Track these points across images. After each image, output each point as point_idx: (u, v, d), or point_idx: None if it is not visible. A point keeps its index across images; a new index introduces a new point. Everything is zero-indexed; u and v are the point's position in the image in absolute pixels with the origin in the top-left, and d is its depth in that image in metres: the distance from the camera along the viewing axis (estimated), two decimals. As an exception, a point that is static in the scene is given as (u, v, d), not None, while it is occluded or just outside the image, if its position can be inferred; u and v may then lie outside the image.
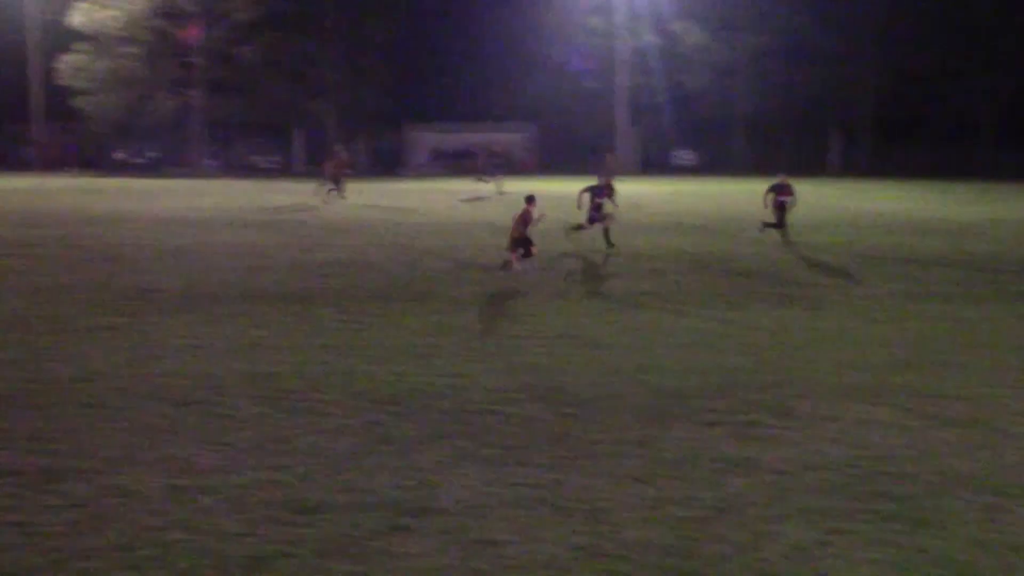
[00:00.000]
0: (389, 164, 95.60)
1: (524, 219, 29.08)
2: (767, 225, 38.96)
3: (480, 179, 64.11)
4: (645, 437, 14.82)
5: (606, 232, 35.82)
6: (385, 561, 10.81)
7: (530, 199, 29.54)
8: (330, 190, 54.83)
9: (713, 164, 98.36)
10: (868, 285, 28.57)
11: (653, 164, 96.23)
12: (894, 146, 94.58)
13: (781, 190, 38.60)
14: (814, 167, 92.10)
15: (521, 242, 29.01)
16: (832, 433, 15.08)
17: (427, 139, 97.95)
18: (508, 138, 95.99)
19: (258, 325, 22.31)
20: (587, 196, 35.59)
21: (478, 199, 59.01)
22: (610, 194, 36.18)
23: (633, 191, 67.17)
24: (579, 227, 36.45)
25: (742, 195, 53.10)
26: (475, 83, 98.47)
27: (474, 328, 22.34)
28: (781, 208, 38.52)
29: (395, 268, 31.29)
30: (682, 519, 11.91)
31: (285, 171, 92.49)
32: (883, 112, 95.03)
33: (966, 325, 23.03)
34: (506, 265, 29.13)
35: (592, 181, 37.45)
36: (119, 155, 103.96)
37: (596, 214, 35.72)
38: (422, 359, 19.30)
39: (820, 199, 57.51)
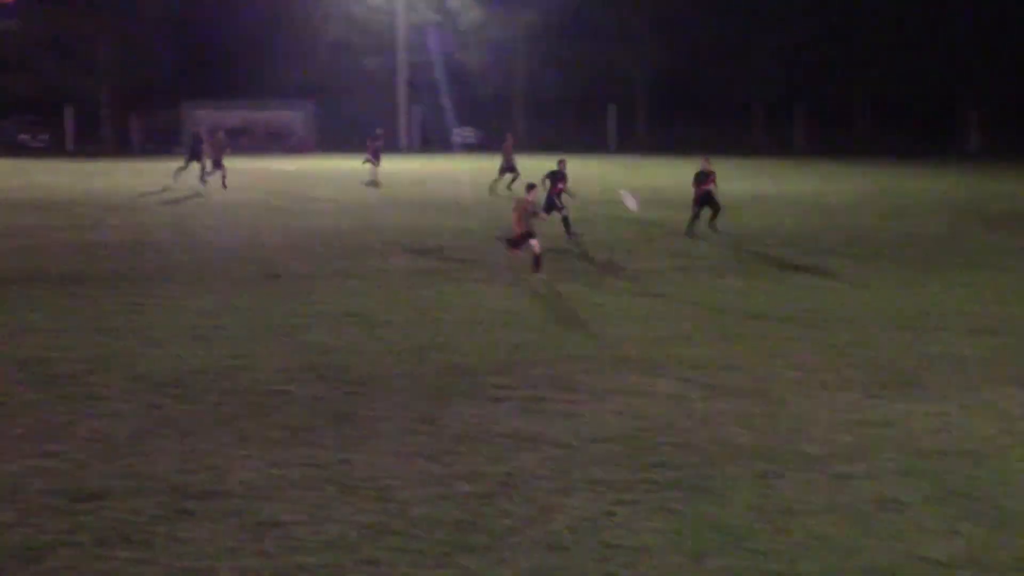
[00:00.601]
0: (164, 143, 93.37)
1: (525, 211, 25.86)
2: (706, 224, 34.10)
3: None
4: (431, 414, 14.85)
5: (566, 221, 33.06)
6: (169, 546, 10.59)
7: (531, 187, 26.85)
8: (208, 174, 51.15)
9: (494, 142, 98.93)
10: (645, 260, 29.17)
11: (434, 142, 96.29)
12: (671, 123, 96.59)
13: (706, 179, 33.74)
14: (595, 144, 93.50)
15: (524, 237, 25.73)
16: (615, 406, 15.37)
17: (204, 117, 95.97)
18: (287, 116, 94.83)
19: (31, 308, 21.58)
20: (547, 183, 32.52)
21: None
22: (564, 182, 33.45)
23: (415, 169, 67.18)
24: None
25: (523, 172, 53.56)
26: (254, 60, 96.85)
27: (256, 309, 22.04)
28: (709, 199, 33.83)
29: (175, 249, 30.63)
30: (469, 495, 11.98)
31: (56, 150, 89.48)
32: (659, 89, 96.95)
33: (740, 297, 23.72)
34: (517, 255, 26.08)
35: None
36: None
37: (556, 201, 32.84)
38: (203, 341, 18.95)
39: (598, 175, 58.42)
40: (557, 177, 32.88)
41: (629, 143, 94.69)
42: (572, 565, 10.36)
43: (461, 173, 62.90)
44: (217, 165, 50.35)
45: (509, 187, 46.21)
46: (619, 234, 34.41)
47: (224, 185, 49.23)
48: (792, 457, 13.35)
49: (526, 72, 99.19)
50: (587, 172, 56.85)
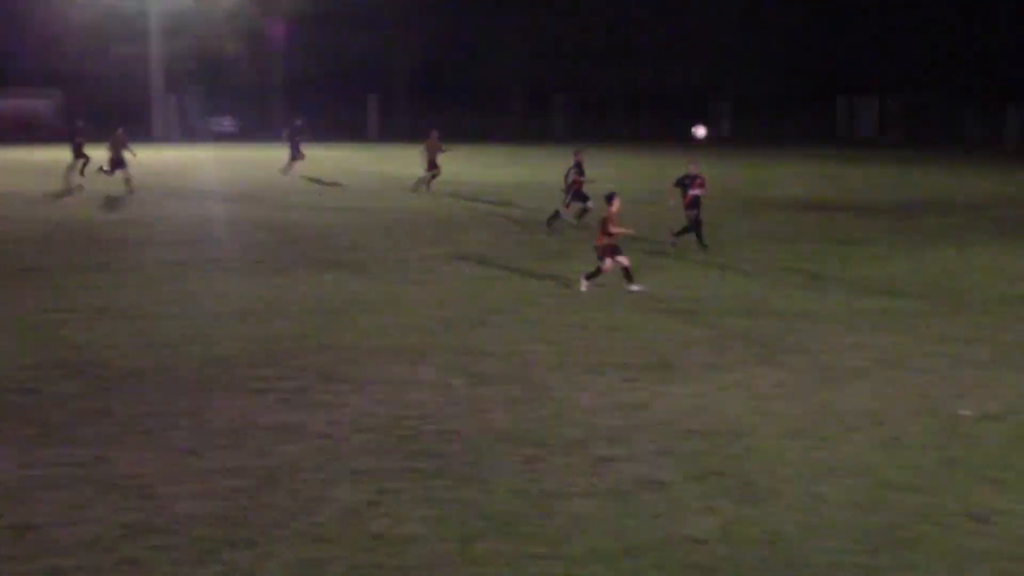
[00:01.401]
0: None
1: (609, 221, 22.90)
2: (678, 234, 29.44)
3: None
4: (192, 408, 14.56)
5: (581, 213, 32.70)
6: (-86, 555, 10.11)
7: (610, 197, 23.06)
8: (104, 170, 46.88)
9: (253, 130, 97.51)
10: (407, 248, 29.19)
11: (191, 131, 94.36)
12: (433, 110, 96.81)
13: (692, 181, 29.23)
14: (356, 132, 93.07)
15: (610, 250, 22.99)
16: (378, 395, 15.34)
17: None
18: (35, 104, 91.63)
19: None
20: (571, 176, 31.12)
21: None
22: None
23: (172, 158, 65.70)
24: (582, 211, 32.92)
25: (280, 162, 53.00)
26: (2, 46, 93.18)
27: (5, 304, 21.23)
28: (695, 205, 29.04)
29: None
30: (233, 489, 11.79)
31: None
32: (420, 77, 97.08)
33: (501, 283, 23.95)
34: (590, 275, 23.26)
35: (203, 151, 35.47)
36: None
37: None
38: (-51, 338, 18.17)
39: (357, 164, 58.21)
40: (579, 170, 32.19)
41: (390, 131, 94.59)
42: (338, 556, 10.30)
43: (219, 162, 61.78)
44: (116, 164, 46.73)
45: (428, 185, 44.37)
46: (385, 222, 34.33)
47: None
48: (555, 441, 13.55)
49: (286, 59, 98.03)
50: (347, 160, 56.57)
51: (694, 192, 28.51)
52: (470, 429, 13.96)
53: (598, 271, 22.91)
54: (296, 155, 50.36)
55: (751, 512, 11.48)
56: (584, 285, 22.96)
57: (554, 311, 21.07)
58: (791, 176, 44.48)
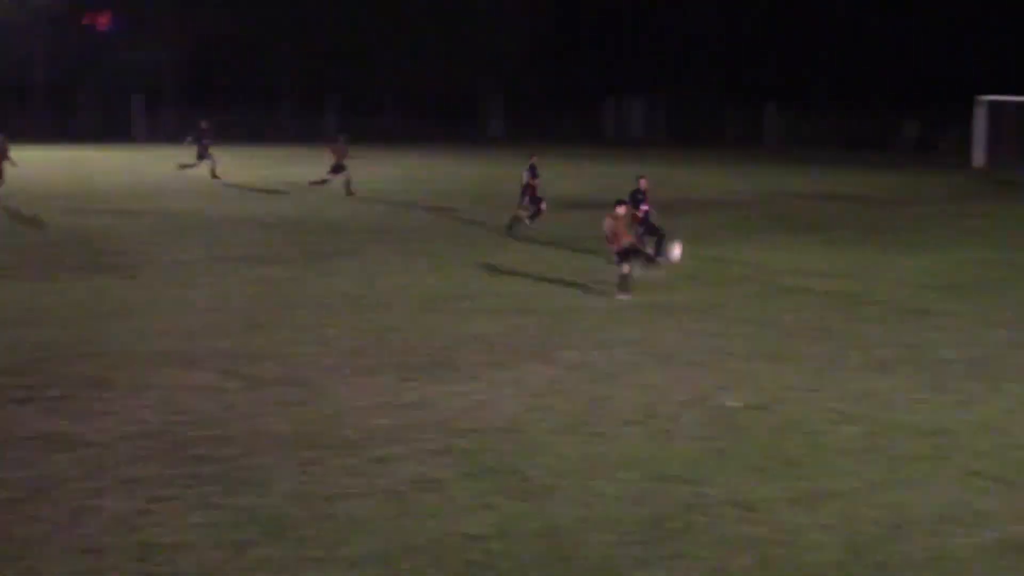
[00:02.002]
0: None
1: (625, 221, 22.82)
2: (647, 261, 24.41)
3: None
4: (-49, 420, 13.98)
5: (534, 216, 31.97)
6: None
7: (619, 203, 22.96)
8: None
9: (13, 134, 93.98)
10: (177, 251, 28.57)
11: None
12: (202, 111, 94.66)
13: (644, 197, 26.37)
14: (121, 135, 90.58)
15: (631, 251, 22.71)
16: (149, 401, 14.99)
17: None
18: None
19: None
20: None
21: None
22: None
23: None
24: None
25: (44, 163, 51.36)
26: None
27: None
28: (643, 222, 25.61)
29: None
30: (-5, 502, 11.37)
31: None
32: (186, 79, 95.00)
33: (273, 286, 23.65)
34: (623, 283, 22.52)
35: None
36: None
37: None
38: None
39: (125, 165, 56.74)
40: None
41: (159, 132, 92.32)
42: (108, 567, 10.02)
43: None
44: None
45: (348, 187, 42.16)
46: (154, 226, 33.53)
47: None
48: (331, 443, 13.46)
49: (44, 59, 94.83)
50: (111, 164, 55.22)
51: (645, 209, 26.04)
52: (245, 433, 13.76)
53: (624, 278, 22.39)
54: (204, 155, 48.04)
55: (527, 508, 11.61)
56: (620, 296, 22.29)
57: (330, 313, 20.92)
58: (561, 175, 45.13)
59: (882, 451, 13.42)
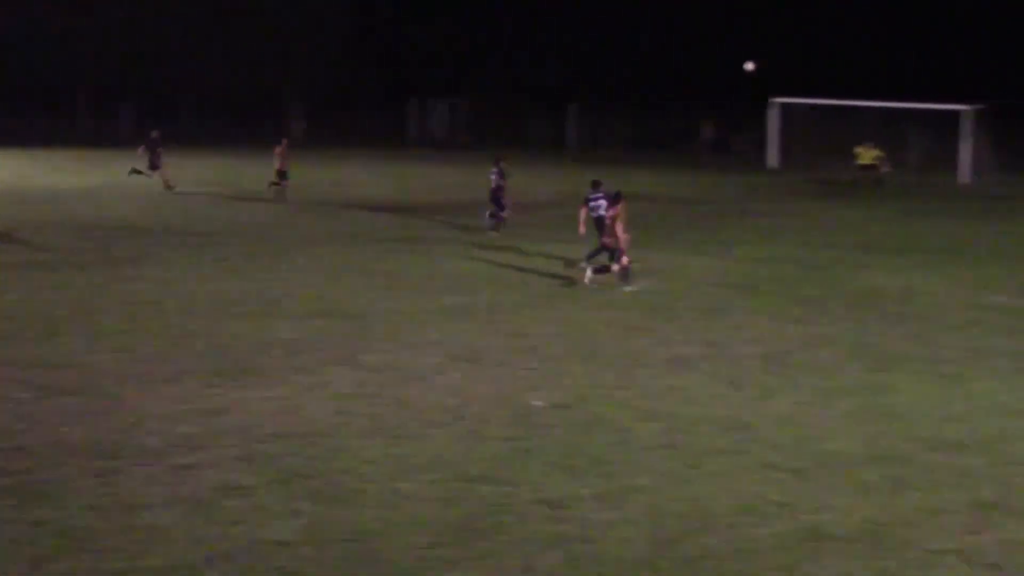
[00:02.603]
0: None
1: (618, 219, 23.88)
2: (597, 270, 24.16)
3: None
4: None
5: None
6: None
7: (617, 196, 24.26)
8: None
9: None
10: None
11: None
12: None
13: (605, 201, 24.96)
14: None
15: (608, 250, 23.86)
16: (-62, 413, 14.43)
17: None
18: None
19: None
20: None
21: None
22: None
23: None
24: None
25: None
26: None
27: None
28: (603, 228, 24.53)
29: None
30: None
31: None
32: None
33: (72, 291, 22.93)
34: (622, 274, 23.70)
35: None
36: None
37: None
38: None
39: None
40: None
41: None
42: None
43: None
44: None
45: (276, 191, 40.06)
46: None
47: None
48: (131, 452, 13.17)
49: None
50: None
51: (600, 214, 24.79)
52: (41, 444, 13.37)
53: (623, 269, 23.53)
54: (157, 165, 45.52)
55: (335, 512, 11.54)
56: (626, 288, 23.37)
57: (130, 319, 20.41)
58: (364, 176, 45.03)
59: (684, 446, 13.72)
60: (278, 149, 41.57)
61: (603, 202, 24.83)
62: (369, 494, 12.04)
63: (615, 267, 23.70)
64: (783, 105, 52.14)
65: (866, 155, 45.37)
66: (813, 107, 51.41)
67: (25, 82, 73.20)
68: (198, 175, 46.90)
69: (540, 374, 16.95)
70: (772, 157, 52.84)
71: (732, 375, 17.06)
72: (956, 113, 47.24)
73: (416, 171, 48.98)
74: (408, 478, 12.51)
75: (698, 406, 15.42)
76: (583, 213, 25.17)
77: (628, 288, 23.40)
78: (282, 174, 40.74)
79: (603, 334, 19.73)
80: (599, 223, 24.71)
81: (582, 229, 25.20)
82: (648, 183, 45.36)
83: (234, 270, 25.93)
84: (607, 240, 23.96)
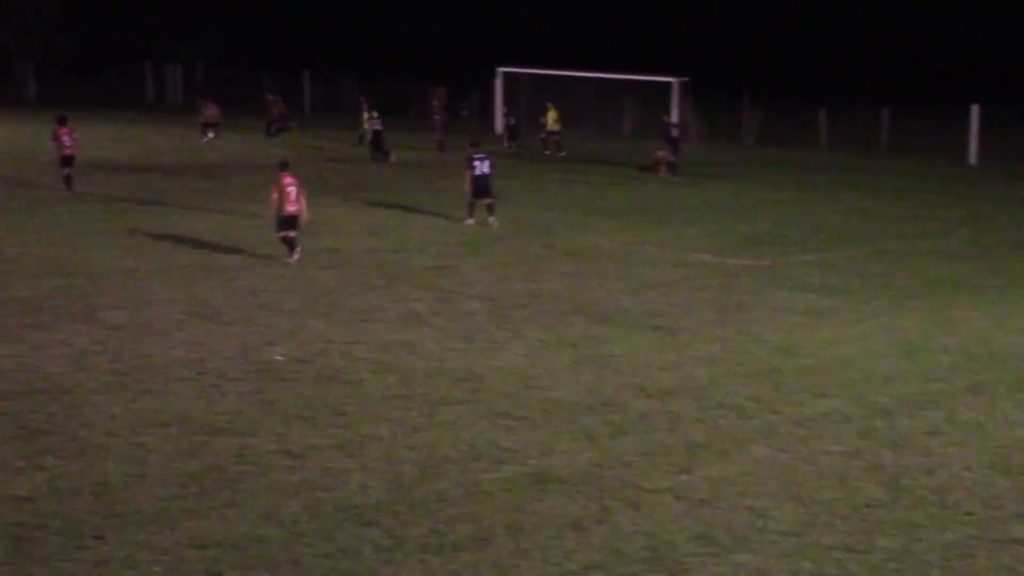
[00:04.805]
0: None
1: None
2: None
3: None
4: None
5: None
6: None
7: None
8: None
9: None
10: None
11: None
12: None
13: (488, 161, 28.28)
14: None
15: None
16: None
17: None
18: None
19: None
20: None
21: None
22: None
23: None
24: None
25: None
26: None
27: None
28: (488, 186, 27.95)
29: None
30: None
31: None
32: None
33: None
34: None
35: None
36: None
37: None
38: None
39: None
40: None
41: None
42: None
43: None
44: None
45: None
46: None
47: None
48: None
49: None
50: None
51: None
52: None
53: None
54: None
55: (78, 466, 11.76)
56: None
57: None
58: (101, 139, 44.02)
59: (418, 397, 14.37)
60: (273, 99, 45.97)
61: (488, 162, 27.86)
62: (112, 448, 12.29)
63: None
64: (506, 74, 53.24)
65: (552, 119, 46.46)
66: (532, 77, 52.68)
67: None
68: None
69: (278, 330, 17.32)
70: (498, 124, 53.62)
71: (463, 329, 17.78)
72: (667, 84, 49.25)
73: (154, 133, 48.04)
74: (151, 432, 12.79)
75: (431, 359, 16.07)
76: (468, 174, 27.78)
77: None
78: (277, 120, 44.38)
79: (337, 291, 20.17)
80: (483, 180, 27.68)
81: (468, 187, 27.80)
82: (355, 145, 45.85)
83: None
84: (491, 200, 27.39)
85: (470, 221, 27.63)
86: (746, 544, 10.57)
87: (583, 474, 12.08)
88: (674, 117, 46.49)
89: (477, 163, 27.86)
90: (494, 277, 21.90)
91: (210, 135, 45.43)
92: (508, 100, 51.78)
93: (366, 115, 41.79)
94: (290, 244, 22.37)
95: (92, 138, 44.23)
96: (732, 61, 65.25)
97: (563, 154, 44.60)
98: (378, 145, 40.44)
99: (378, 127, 40.73)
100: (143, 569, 9.72)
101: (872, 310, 19.98)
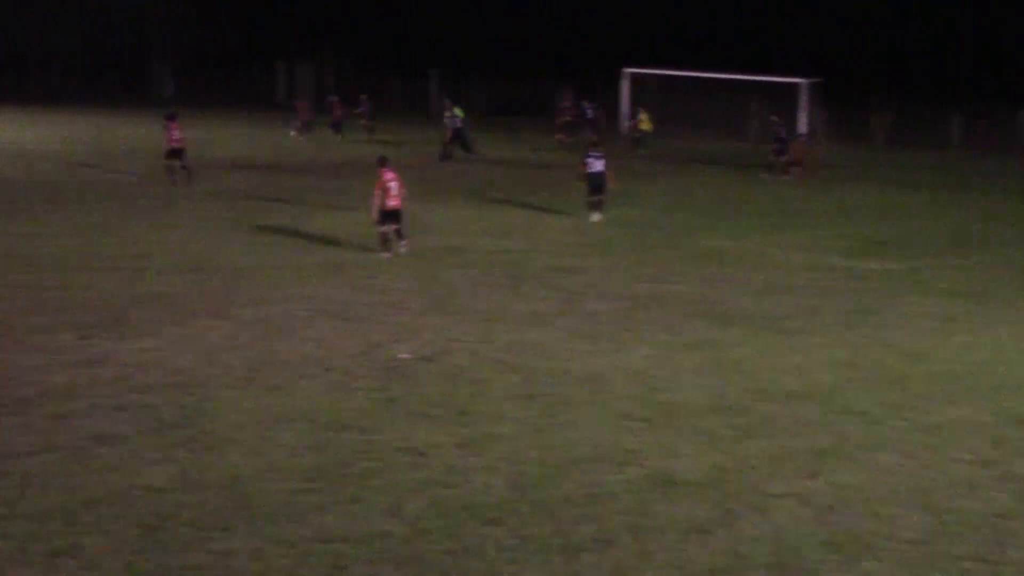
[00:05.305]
0: None
1: None
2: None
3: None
4: None
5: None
6: None
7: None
8: None
9: None
10: None
11: None
12: None
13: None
14: None
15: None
16: None
17: None
18: None
19: None
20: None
21: None
22: None
23: None
24: None
25: None
26: None
27: None
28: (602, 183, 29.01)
29: None
30: None
31: None
32: None
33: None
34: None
35: None
36: None
37: None
38: None
39: None
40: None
41: None
42: None
43: None
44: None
45: None
46: None
47: None
48: (6, 401, 13.43)
49: None
50: None
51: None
52: None
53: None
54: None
55: (208, 459, 11.98)
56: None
57: (2, 273, 20.47)
58: (233, 137, 44.85)
59: (542, 397, 14.39)
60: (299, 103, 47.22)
61: (602, 160, 28.78)
62: (241, 442, 12.50)
63: None
64: (633, 75, 53.05)
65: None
66: (659, 77, 52.46)
67: None
68: (67, 134, 46.17)
69: (403, 328, 17.47)
70: (624, 124, 53.51)
71: (587, 330, 17.77)
72: (794, 85, 48.67)
73: (285, 131, 48.74)
74: (279, 427, 12.99)
75: (555, 359, 16.08)
76: (582, 171, 28.92)
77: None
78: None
79: (463, 291, 20.29)
80: (598, 177, 28.47)
81: (583, 183, 28.91)
82: (508, 148, 46.04)
83: (106, 226, 25.89)
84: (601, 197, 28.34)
85: (596, 217, 28.11)
86: (873, 552, 10.41)
87: (706, 477, 12.00)
88: (803, 120, 46.04)
89: (591, 160, 28.81)
90: (620, 278, 21.85)
91: (292, 133, 46.40)
92: (634, 101, 51.63)
93: (447, 113, 42.81)
94: (388, 239, 22.90)
95: (223, 136, 45.16)
96: (862, 61, 64.22)
97: (645, 152, 45.18)
98: (460, 141, 41.65)
99: (459, 124, 41.84)
100: (270, 562, 9.87)
101: (1005, 316, 19.55)
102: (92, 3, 71.05)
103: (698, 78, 50.81)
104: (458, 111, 42.17)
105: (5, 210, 27.31)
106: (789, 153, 39.58)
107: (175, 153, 32.30)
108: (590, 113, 50.57)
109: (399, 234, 22.92)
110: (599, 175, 28.60)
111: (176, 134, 32.15)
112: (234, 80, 68.97)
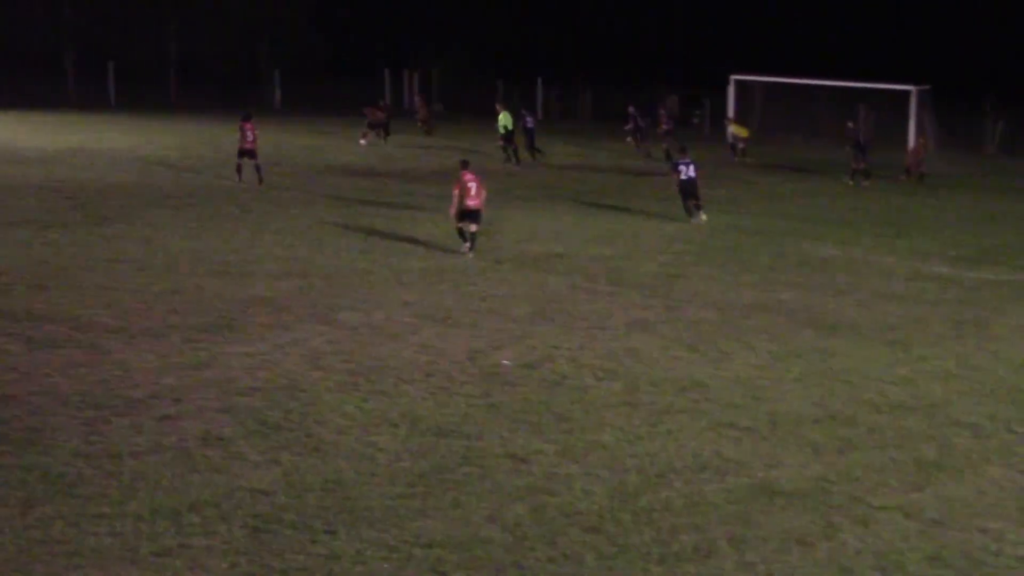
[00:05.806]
0: None
1: None
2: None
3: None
4: None
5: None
6: None
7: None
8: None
9: None
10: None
11: None
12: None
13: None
14: None
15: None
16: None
17: None
18: None
19: None
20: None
21: None
22: None
23: None
24: None
25: None
26: None
27: None
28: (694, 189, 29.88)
29: None
30: None
31: None
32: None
33: (57, 249, 23.17)
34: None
35: None
36: None
37: None
38: None
39: None
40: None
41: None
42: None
43: None
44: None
45: None
46: None
47: None
48: (116, 403, 13.70)
49: None
50: None
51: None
52: (29, 394, 13.87)
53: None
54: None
55: (311, 462, 12.13)
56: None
57: (114, 276, 20.76)
58: (338, 143, 45.26)
59: (643, 405, 14.36)
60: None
61: (693, 166, 29.04)
62: (344, 446, 12.64)
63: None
64: (738, 82, 52.72)
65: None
66: (764, 84, 52.09)
67: (11, 45, 72.42)
68: (181, 140, 46.97)
69: (506, 334, 17.51)
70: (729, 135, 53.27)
71: (689, 338, 17.69)
72: (905, 92, 47.98)
73: (395, 139, 49.10)
74: (381, 431, 13.11)
75: (656, 367, 16.05)
76: (675, 178, 29.26)
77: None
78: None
79: (564, 298, 20.29)
80: (690, 184, 28.81)
81: (677, 191, 29.26)
82: (612, 154, 45.97)
83: (215, 231, 26.20)
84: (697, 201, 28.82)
85: (702, 218, 28.55)
86: (981, 568, 10.25)
87: (809, 488, 11.90)
88: (911, 125, 45.50)
89: (683, 167, 29.08)
90: (723, 286, 21.72)
91: (362, 141, 46.23)
92: (738, 107, 51.29)
93: (528, 117, 43.87)
94: (464, 236, 23.63)
95: (331, 142, 45.65)
96: (973, 67, 63.16)
97: (748, 159, 44.68)
98: (529, 144, 42.35)
99: (530, 125, 43.07)
100: (372, 565, 9.97)
101: (1120, 328, 19.12)
102: (205, 13, 72.24)
103: (805, 85, 50.35)
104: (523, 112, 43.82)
105: (122, 215, 27.77)
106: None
107: (247, 153, 33.34)
108: (696, 120, 50.38)
109: (472, 237, 23.61)
110: (691, 181, 28.77)
111: (250, 135, 33.21)
112: (341, 88, 69.71)
